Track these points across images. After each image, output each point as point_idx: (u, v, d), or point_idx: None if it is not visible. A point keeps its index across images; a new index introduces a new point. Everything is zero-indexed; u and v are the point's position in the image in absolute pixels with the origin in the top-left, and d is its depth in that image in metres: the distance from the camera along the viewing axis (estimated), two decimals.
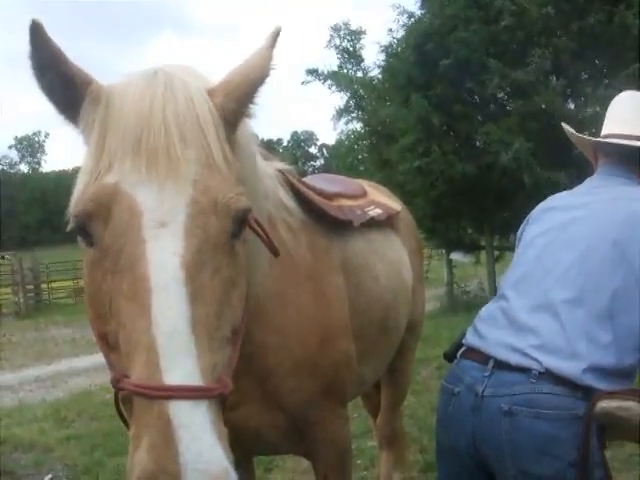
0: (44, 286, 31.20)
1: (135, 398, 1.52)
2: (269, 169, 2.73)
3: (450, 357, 2.80)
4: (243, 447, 2.90)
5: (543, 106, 13.08)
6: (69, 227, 1.76)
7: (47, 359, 14.69)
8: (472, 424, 2.50)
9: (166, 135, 1.71)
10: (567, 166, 13.00)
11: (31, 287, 28.86)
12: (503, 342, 2.52)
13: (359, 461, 5.88)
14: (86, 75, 1.83)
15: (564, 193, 3.03)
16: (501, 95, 14.96)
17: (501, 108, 14.89)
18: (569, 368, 2.35)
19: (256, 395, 2.65)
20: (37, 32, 1.70)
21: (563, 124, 3.25)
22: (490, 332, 2.61)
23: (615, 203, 2.69)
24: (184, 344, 1.53)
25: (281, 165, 2.91)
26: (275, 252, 2.16)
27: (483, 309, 2.79)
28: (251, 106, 1.95)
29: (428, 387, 8.11)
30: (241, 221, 1.77)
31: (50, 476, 6.57)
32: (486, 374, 2.50)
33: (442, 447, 2.76)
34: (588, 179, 3.05)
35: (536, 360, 2.40)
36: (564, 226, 2.71)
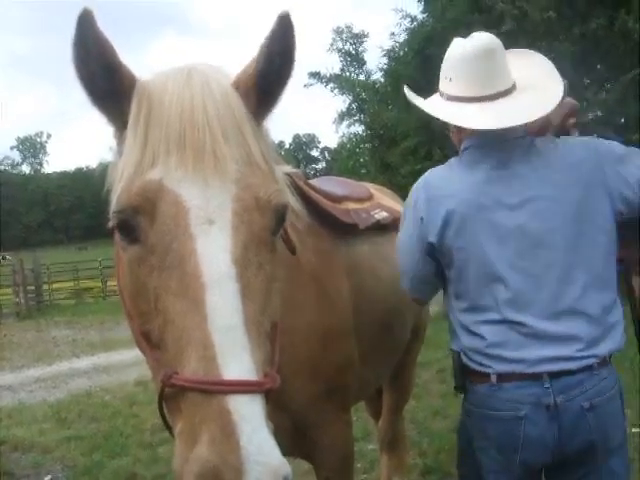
0: (45, 287, 31.18)
1: (188, 394, 1.52)
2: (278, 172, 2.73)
3: (462, 388, 2.70)
4: None
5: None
6: (110, 224, 1.75)
7: (47, 360, 14.67)
8: (553, 434, 2.47)
9: (210, 132, 1.72)
10: None
11: (32, 288, 28.83)
12: (546, 357, 2.45)
13: (359, 464, 5.87)
14: (130, 70, 1.84)
15: (462, 184, 2.59)
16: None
17: None
18: (605, 348, 2.50)
19: None
20: (87, 21, 1.69)
21: (405, 88, 2.90)
22: (522, 354, 2.49)
23: (552, 176, 2.53)
24: (240, 339, 1.54)
25: (288, 168, 2.91)
26: (292, 251, 2.25)
27: (485, 333, 2.54)
28: (279, 100, 1.93)
29: (429, 391, 8.11)
30: (281, 217, 1.79)
31: (49, 477, 6.57)
32: (547, 386, 2.45)
33: (511, 469, 2.58)
34: (475, 155, 2.63)
35: (591, 356, 2.46)
36: (522, 229, 2.50)
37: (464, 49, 2.64)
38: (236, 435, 1.42)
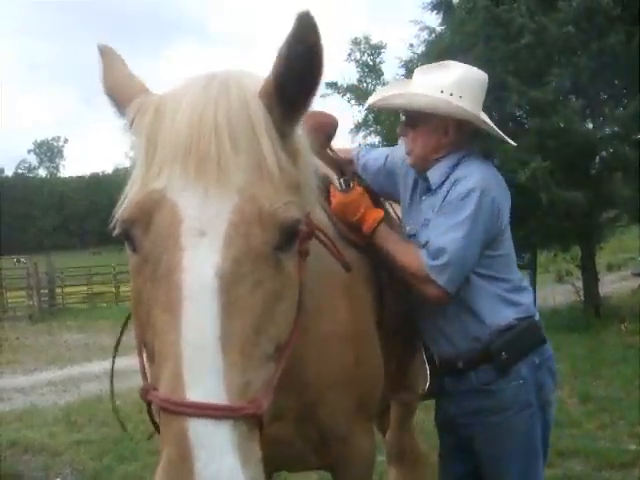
0: (58, 290, 31.26)
1: (161, 412, 1.50)
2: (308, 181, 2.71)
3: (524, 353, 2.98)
4: (270, 461, 2.89)
5: (561, 125, 13.05)
6: (115, 232, 1.74)
7: (59, 363, 14.72)
8: None
9: (217, 141, 1.67)
10: (585, 185, 12.97)
11: (45, 291, 28.93)
12: None
13: None
14: (140, 82, 1.91)
15: None
16: (519, 113, 14.95)
17: (519, 126, 14.87)
18: None
19: (293, 408, 2.60)
20: (108, 57, 1.80)
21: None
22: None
23: None
24: (210, 359, 1.48)
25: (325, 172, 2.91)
26: (347, 268, 2.24)
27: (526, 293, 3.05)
28: (305, 108, 1.85)
29: None
30: (289, 232, 1.70)
31: None
32: None
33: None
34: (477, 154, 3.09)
35: None
36: None
37: (475, 74, 3.04)
38: (191, 461, 1.38)
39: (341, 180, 3.07)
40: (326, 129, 3.19)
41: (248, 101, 1.76)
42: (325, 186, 2.97)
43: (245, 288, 1.58)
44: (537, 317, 3.01)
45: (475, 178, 2.83)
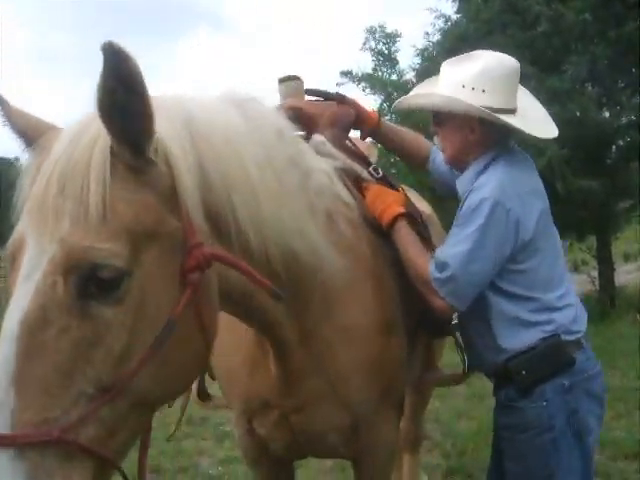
0: None
1: None
2: (324, 165, 2.71)
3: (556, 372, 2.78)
4: (300, 449, 2.90)
5: (578, 114, 12.98)
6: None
7: None
8: None
9: (46, 186, 1.70)
10: (601, 175, 12.89)
11: None
12: None
13: None
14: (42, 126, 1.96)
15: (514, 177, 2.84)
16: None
17: None
18: None
19: (324, 395, 2.64)
20: None
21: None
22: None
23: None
24: (1, 399, 1.54)
25: (337, 163, 2.91)
26: (277, 296, 2.12)
27: (571, 301, 2.87)
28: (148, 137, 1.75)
29: (453, 392, 8.06)
30: (90, 279, 1.64)
31: None
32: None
33: (602, 421, 2.92)
34: (512, 154, 2.94)
35: None
36: None
37: (500, 63, 2.84)
38: None
39: (370, 169, 3.08)
40: (341, 122, 3.18)
41: (95, 143, 1.72)
42: (353, 177, 2.98)
43: (49, 335, 1.60)
44: (573, 336, 2.77)
45: (490, 186, 2.70)
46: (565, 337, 2.74)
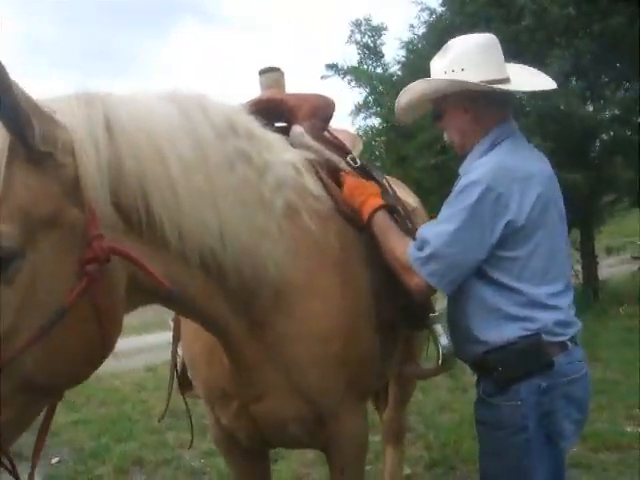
0: None
1: None
2: (290, 157, 2.72)
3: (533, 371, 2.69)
4: (264, 439, 2.91)
5: (562, 107, 13.02)
6: None
7: None
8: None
9: None
10: (585, 168, 12.95)
11: None
12: None
13: None
14: None
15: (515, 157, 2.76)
16: (520, 95, 14.90)
17: (519, 108, 14.85)
18: None
19: (281, 386, 2.64)
20: None
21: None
22: (574, 317, 2.81)
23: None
24: None
25: (309, 154, 2.90)
26: (168, 296, 2.17)
27: (560, 303, 2.72)
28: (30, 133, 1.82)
29: (436, 385, 8.09)
30: None
31: (57, 459, 6.61)
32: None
33: (581, 426, 2.86)
34: (513, 138, 2.84)
35: None
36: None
37: (473, 41, 2.83)
38: None
39: (348, 159, 3.07)
40: (321, 113, 3.17)
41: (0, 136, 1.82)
42: (330, 169, 2.97)
43: None
44: (556, 338, 2.66)
45: (483, 169, 2.64)
46: (547, 338, 2.64)
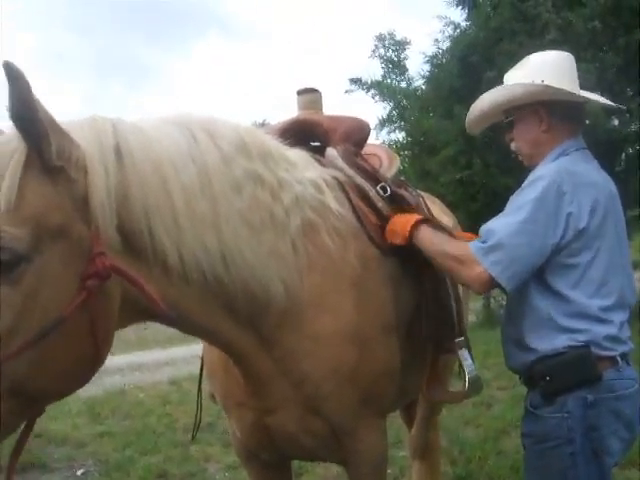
0: None
1: None
2: (310, 174, 2.75)
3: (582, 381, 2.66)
4: (279, 451, 2.91)
5: (587, 121, 12.95)
6: None
7: None
8: None
9: None
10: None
11: None
12: None
13: (389, 470, 5.83)
14: None
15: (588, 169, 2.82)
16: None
17: None
18: None
19: (293, 400, 2.65)
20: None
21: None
22: (628, 334, 2.76)
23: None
24: None
25: (338, 174, 2.92)
26: (169, 320, 2.26)
27: (614, 318, 2.69)
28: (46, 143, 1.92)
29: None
30: None
31: (82, 471, 6.64)
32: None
33: (630, 444, 2.81)
34: (582, 151, 2.89)
35: None
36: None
37: (552, 55, 2.92)
38: None
39: (378, 188, 3.05)
40: (355, 136, 3.17)
41: (17, 147, 1.91)
42: (361, 194, 2.97)
43: None
44: (606, 352, 2.63)
45: (549, 168, 2.70)
46: (596, 351, 2.62)
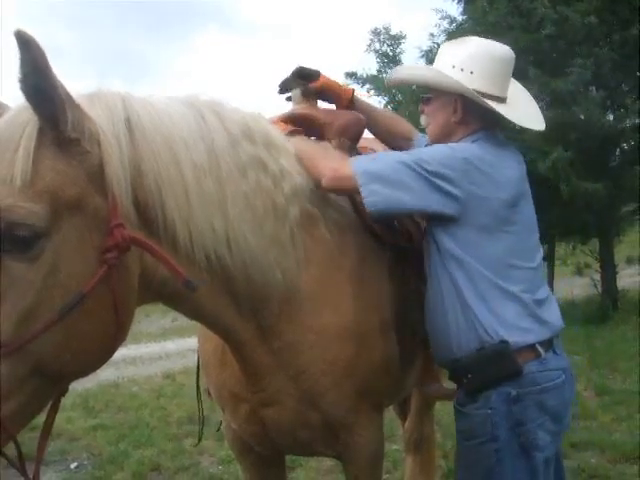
0: None
1: None
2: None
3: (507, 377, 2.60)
4: (274, 444, 2.91)
5: (582, 116, 12.98)
6: None
7: None
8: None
9: None
10: (605, 178, 12.89)
11: None
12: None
13: None
14: None
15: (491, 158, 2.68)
16: (540, 104, 14.84)
17: None
18: None
19: (289, 393, 2.65)
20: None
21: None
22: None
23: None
24: None
25: None
26: (191, 288, 2.15)
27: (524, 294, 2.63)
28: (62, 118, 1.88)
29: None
30: (3, 233, 1.76)
31: (76, 464, 6.64)
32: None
33: (558, 437, 2.73)
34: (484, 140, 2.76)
35: None
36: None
37: (491, 49, 2.80)
38: None
39: None
40: (351, 131, 3.16)
41: (29, 120, 1.87)
42: None
43: None
44: (524, 343, 2.58)
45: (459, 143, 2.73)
46: (515, 344, 2.57)
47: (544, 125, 2.87)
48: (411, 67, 2.97)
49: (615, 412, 7.10)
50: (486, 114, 2.73)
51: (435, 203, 2.56)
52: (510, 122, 2.77)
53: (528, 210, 2.76)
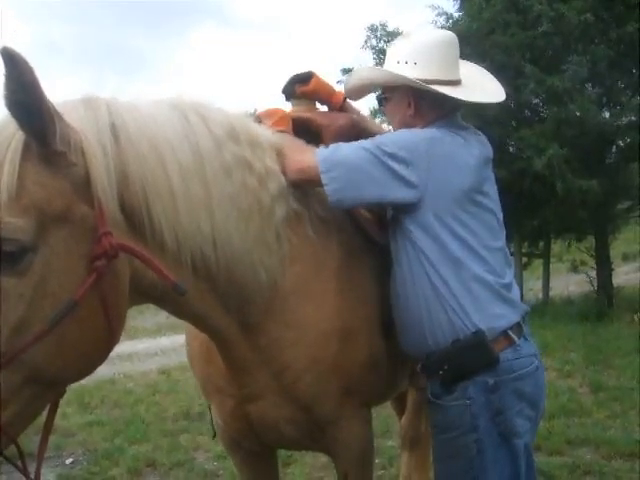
0: None
1: None
2: None
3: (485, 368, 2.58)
4: (260, 439, 2.92)
5: (578, 114, 12.99)
6: None
7: None
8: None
9: None
10: (600, 175, 12.92)
11: None
12: None
13: (377, 460, 5.84)
14: None
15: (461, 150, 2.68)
16: (536, 101, 14.88)
17: (535, 114, 14.82)
18: None
19: (273, 389, 2.66)
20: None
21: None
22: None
23: None
24: None
25: None
26: (179, 292, 2.15)
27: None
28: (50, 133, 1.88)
29: None
30: None
31: (71, 460, 6.63)
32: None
33: (536, 422, 2.73)
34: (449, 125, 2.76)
35: None
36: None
37: (432, 37, 2.83)
38: None
39: None
40: (347, 134, 3.16)
41: (14, 134, 1.87)
42: None
43: None
44: (498, 332, 2.57)
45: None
46: (490, 330, 2.56)
47: (504, 96, 2.89)
48: (357, 71, 2.96)
49: (610, 409, 7.11)
50: (442, 102, 2.73)
51: (393, 191, 2.56)
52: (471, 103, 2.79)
53: (492, 192, 2.75)
